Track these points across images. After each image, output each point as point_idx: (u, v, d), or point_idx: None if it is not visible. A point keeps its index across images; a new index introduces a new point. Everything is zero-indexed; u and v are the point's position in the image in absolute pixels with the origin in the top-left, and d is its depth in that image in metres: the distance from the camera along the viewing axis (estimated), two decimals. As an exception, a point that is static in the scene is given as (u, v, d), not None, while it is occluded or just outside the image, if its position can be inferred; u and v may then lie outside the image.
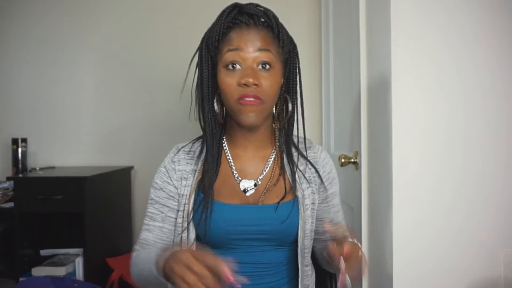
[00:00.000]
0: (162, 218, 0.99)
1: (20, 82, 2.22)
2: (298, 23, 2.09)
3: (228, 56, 0.90)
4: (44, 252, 1.91)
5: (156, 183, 1.00)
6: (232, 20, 0.91)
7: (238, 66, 0.89)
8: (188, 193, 0.96)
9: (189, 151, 1.01)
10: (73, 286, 1.58)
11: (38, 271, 1.78)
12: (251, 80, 0.87)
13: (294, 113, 0.99)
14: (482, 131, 1.07)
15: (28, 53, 2.21)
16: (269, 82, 0.90)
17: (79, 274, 1.85)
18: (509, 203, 1.07)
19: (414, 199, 1.07)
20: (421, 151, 1.07)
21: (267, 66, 0.90)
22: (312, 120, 2.10)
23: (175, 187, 0.98)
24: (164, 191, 0.99)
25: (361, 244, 0.90)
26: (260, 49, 0.90)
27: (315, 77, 2.09)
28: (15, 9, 2.21)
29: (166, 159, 1.01)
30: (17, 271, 1.79)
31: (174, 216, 0.98)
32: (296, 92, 0.99)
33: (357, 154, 1.35)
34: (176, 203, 0.98)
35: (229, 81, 0.89)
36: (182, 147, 1.02)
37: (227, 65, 0.90)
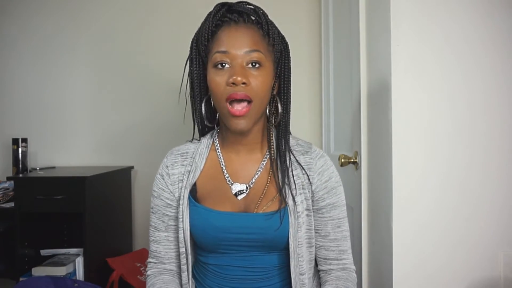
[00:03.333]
0: (165, 227, 0.98)
1: (21, 82, 2.22)
2: (298, 23, 2.09)
3: (217, 56, 0.88)
4: (44, 252, 1.91)
5: (154, 191, 0.99)
6: (221, 18, 0.90)
7: (227, 65, 0.88)
8: (183, 195, 0.94)
9: (183, 152, 1.00)
10: (73, 286, 1.58)
11: (38, 271, 1.78)
12: (239, 78, 0.85)
13: (287, 114, 0.97)
14: (483, 131, 1.07)
15: (29, 53, 2.21)
16: (259, 81, 0.88)
17: (79, 274, 1.85)
18: (509, 203, 1.07)
19: (414, 199, 1.07)
20: (421, 151, 1.07)
21: (257, 65, 0.88)
22: (312, 120, 2.10)
23: (171, 192, 0.97)
24: (162, 199, 0.97)
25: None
26: (249, 50, 0.88)
27: (315, 77, 2.09)
28: (15, 10, 2.21)
29: (161, 165, 0.99)
30: (17, 271, 1.79)
31: (175, 224, 0.97)
32: (287, 93, 0.97)
33: (357, 154, 1.35)
34: (175, 210, 0.97)
35: (218, 80, 0.88)
36: (176, 150, 1.00)
37: (216, 65, 0.88)
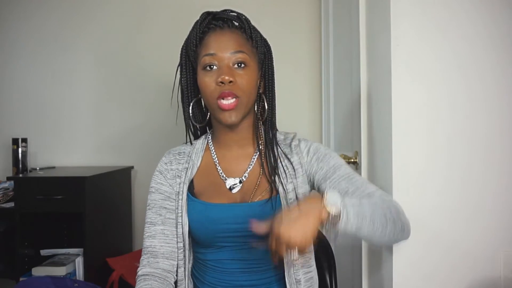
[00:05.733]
0: (162, 220, 1.00)
1: (21, 82, 2.22)
2: (298, 23, 2.09)
3: (205, 59, 0.95)
4: (44, 252, 1.91)
5: (152, 187, 1.03)
6: (207, 25, 0.97)
7: (215, 67, 0.95)
8: (182, 190, 0.99)
9: (179, 152, 1.06)
10: (73, 286, 1.58)
11: (38, 271, 1.79)
12: (226, 77, 0.92)
13: (272, 111, 1.05)
14: (484, 130, 1.07)
15: (29, 53, 2.21)
16: (245, 80, 0.95)
17: (79, 274, 1.86)
18: (509, 203, 1.07)
19: (414, 199, 1.07)
20: (421, 151, 1.07)
21: (242, 65, 0.95)
22: (312, 120, 2.10)
23: (170, 186, 1.01)
24: (160, 193, 1.01)
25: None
26: (234, 52, 0.95)
27: (315, 77, 2.09)
28: (15, 10, 2.21)
29: (159, 164, 1.05)
30: (17, 271, 1.79)
31: (173, 217, 1.00)
32: (271, 91, 1.04)
33: (357, 154, 1.35)
34: (173, 204, 1.00)
35: (207, 81, 0.95)
36: (173, 150, 1.07)
37: (205, 67, 0.95)
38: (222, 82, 0.92)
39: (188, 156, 1.04)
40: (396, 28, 1.07)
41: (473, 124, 1.07)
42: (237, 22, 0.99)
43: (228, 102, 0.93)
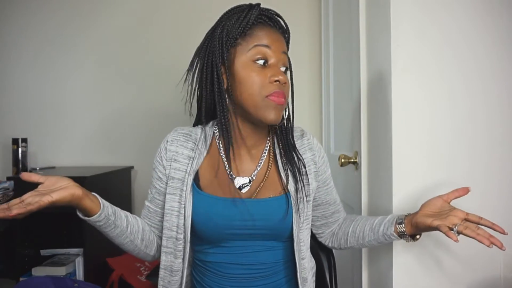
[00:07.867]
0: (151, 198, 1.02)
1: (21, 82, 2.22)
2: (298, 23, 2.09)
3: (257, 51, 0.91)
4: (44, 252, 1.91)
5: (153, 163, 1.02)
6: (257, 18, 0.93)
7: (266, 63, 0.92)
8: (180, 178, 0.95)
9: (186, 133, 1.01)
10: (73, 286, 1.57)
11: (38, 271, 1.78)
12: (282, 77, 0.90)
13: (289, 117, 1.04)
14: (484, 130, 1.07)
15: (29, 53, 2.21)
16: (288, 85, 0.96)
17: (79, 274, 1.85)
18: (509, 203, 1.07)
19: (414, 199, 1.07)
20: (421, 151, 1.07)
21: (286, 69, 0.95)
22: (312, 120, 2.10)
23: (164, 167, 0.99)
24: (155, 171, 1.01)
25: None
26: (284, 52, 0.94)
27: (315, 77, 2.09)
28: (15, 11, 2.21)
29: (164, 139, 1.02)
30: (17, 271, 1.79)
31: (159, 198, 1.00)
32: (292, 101, 1.03)
33: (357, 154, 1.35)
34: (163, 186, 0.99)
35: (256, 76, 0.90)
36: (180, 129, 1.02)
37: (256, 60, 0.91)
38: (277, 81, 0.90)
39: (194, 142, 0.99)
40: (396, 28, 1.07)
41: (473, 124, 1.07)
42: (283, 27, 0.98)
43: (279, 98, 0.91)
